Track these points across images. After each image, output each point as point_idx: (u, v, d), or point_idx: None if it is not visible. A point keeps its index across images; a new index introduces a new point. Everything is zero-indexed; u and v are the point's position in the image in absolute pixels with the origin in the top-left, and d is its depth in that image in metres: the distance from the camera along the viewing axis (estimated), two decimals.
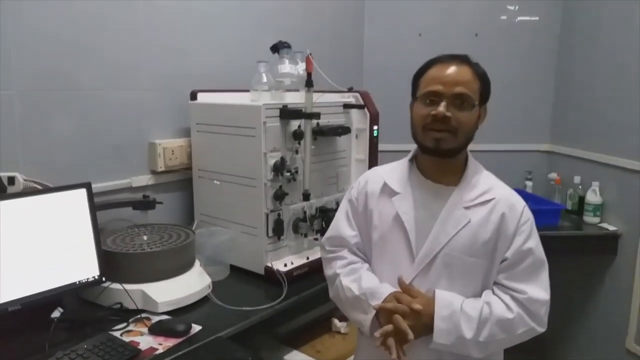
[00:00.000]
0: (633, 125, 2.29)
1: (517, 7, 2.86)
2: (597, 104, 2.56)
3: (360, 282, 1.29)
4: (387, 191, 1.32)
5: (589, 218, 2.50)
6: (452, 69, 1.22)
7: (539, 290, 1.20)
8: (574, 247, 2.49)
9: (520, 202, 1.26)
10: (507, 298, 1.20)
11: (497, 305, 1.19)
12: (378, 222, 1.32)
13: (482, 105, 1.26)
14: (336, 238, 1.39)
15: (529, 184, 2.84)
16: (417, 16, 2.88)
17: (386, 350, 1.16)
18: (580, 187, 2.60)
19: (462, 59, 1.25)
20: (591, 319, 2.61)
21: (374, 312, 1.23)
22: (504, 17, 2.87)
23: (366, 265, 1.35)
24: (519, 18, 2.87)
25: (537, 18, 2.86)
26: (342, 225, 1.39)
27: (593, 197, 2.48)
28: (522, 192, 2.74)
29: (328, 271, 1.40)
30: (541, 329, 1.21)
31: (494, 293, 1.23)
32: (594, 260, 2.55)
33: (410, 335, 1.14)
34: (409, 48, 2.80)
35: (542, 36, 2.87)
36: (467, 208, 1.24)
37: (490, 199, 1.24)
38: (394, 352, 1.15)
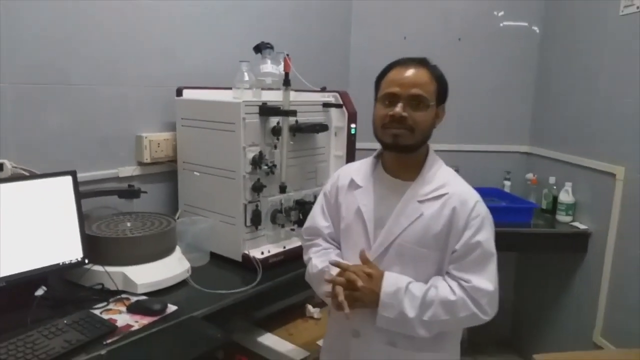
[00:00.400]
0: (605, 129, 2.38)
1: (502, 12, 2.93)
2: (573, 109, 2.64)
3: (327, 260, 1.40)
4: (353, 185, 1.43)
5: (562, 217, 2.58)
6: (409, 72, 1.31)
7: (484, 281, 1.27)
8: (546, 245, 2.58)
9: (473, 198, 1.32)
10: (454, 284, 1.28)
11: (443, 288, 1.28)
12: (345, 213, 1.43)
13: (440, 105, 1.35)
14: (312, 228, 1.52)
15: (507, 183, 2.92)
16: (402, 20, 2.96)
17: (335, 302, 1.26)
18: (554, 187, 2.68)
19: (420, 62, 1.33)
20: (562, 313, 2.70)
21: (334, 275, 1.32)
22: (489, 22, 2.93)
23: (337, 251, 1.46)
24: (504, 23, 2.94)
25: (525, 24, 2.93)
26: (317, 216, 1.51)
27: (566, 197, 2.56)
28: (499, 191, 2.86)
29: (305, 256, 1.53)
30: (484, 317, 1.28)
31: (443, 279, 1.31)
32: (565, 257, 2.63)
33: (359, 282, 1.25)
34: (394, 51, 2.80)
35: (524, 42, 2.94)
36: (420, 202, 1.32)
37: (443, 193, 1.32)
38: (340, 295, 1.25)
